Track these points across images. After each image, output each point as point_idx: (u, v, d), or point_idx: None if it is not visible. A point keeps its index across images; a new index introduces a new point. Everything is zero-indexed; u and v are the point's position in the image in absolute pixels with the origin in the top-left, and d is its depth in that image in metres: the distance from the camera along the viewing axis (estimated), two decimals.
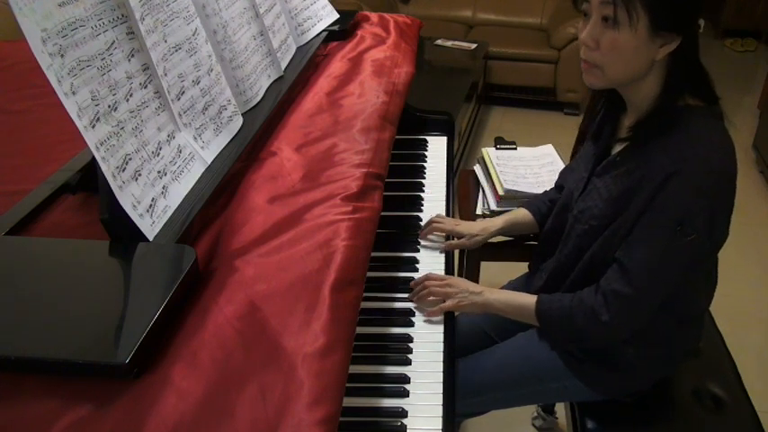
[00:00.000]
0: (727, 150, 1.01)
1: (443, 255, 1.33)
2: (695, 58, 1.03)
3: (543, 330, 1.21)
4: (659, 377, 1.25)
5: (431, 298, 1.18)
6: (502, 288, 1.52)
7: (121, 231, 0.78)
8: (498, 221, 1.43)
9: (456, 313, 1.26)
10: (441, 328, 1.15)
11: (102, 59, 0.78)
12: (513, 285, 1.50)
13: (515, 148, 1.92)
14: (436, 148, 1.68)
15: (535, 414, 1.90)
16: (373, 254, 1.00)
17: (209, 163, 0.96)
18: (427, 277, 1.22)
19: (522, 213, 1.43)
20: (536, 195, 1.47)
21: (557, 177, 1.45)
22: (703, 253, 1.06)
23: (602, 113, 1.20)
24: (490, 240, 1.44)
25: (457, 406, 1.28)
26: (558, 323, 1.15)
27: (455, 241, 1.38)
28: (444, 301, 1.18)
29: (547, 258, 1.29)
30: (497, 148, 1.92)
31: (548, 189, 1.47)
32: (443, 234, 1.38)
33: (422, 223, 1.40)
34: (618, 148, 1.13)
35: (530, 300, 1.18)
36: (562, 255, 1.21)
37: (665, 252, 1.02)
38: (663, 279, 1.05)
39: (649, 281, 1.05)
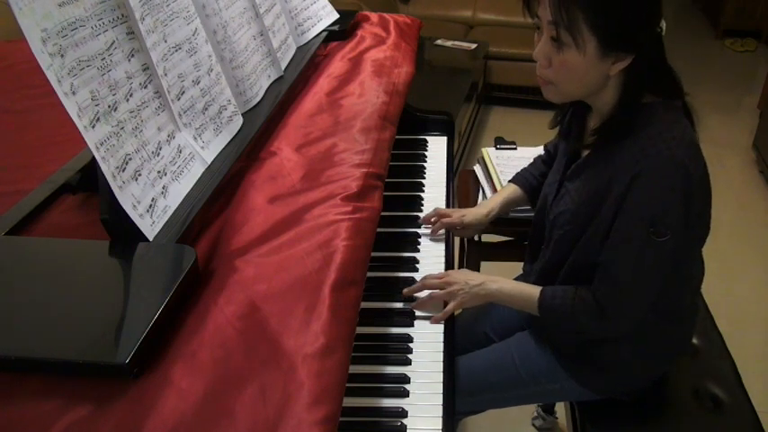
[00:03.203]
0: (690, 143, 0.99)
1: (443, 255, 1.33)
2: (655, 64, 1.02)
3: (542, 322, 1.21)
4: (655, 375, 1.25)
5: (433, 302, 1.18)
6: None
7: (121, 231, 0.78)
8: (497, 200, 1.44)
9: (456, 312, 1.26)
10: (441, 328, 1.15)
11: (102, 59, 0.78)
12: None
13: (515, 148, 1.92)
14: (436, 148, 1.68)
15: (535, 414, 1.90)
16: (373, 254, 1.00)
17: (209, 163, 0.96)
18: (424, 279, 1.21)
19: (511, 189, 1.44)
20: (523, 168, 1.47)
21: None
22: (683, 249, 1.05)
23: (570, 113, 1.20)
24: (490, 240, 1.44)
25: (456, 403, 1.27)
26: (559, 320, 1.15)
27: (462, 230, 1.39)
28: (446, 304, 1.18)
29: (533, 261, 1.30)
30: (497, 148, 1.92)
31: (538, 156, 1.46)
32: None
33: (410, 293, 1.34)
34: (586, 152, 1.14)
35: (533, 291, 1.17)
36: (545, 258, 1.21)
37: (643, 256, 1.02)
38: (648, 280, 1.06)
39: (635, 284, 1.06)
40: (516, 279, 1.48)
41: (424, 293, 1.19)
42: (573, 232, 1.11)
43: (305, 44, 1.49)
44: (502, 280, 1.22)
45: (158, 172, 0.84)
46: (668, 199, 0.98)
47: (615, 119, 1.04)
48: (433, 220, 1.37)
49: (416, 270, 1.28)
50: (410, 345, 1.10)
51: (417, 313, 1.17)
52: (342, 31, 1.60)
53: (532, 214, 1.64)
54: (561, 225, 1.14)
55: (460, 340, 1.42)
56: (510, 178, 1.50)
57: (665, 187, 0.97)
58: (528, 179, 1.43)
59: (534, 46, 1.04)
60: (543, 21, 0.99)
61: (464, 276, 1.20)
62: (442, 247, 1.35)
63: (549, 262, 1.19)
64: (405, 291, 1.19)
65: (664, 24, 1.00)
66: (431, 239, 1.37)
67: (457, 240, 1.58)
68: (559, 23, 0.96)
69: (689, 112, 1.05)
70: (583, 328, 1.14)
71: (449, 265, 1.31)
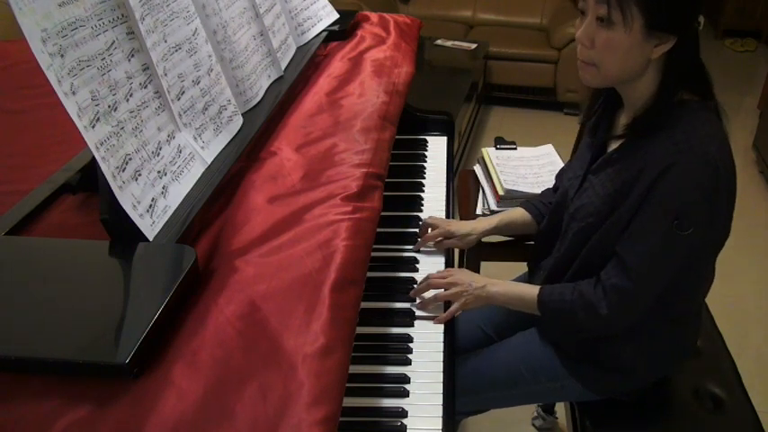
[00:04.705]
0: (722, 143, 1.00)
1: (443, 256, 1.33)
2: (693, 56, 1.03)
3: (543, 321, 1.21)
4: (657, 377, 1.25)
5: (435, 304, 1.18)
6: None
7: (121, 231, 0.78)
8: (493, 220, 1.42)
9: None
10: (441, 328, 1.15)
11: (102, 59, 0.78)
12: None
13: (515, 148, 1.92)
14: (436, 148, 1.68)
15: (535, 414, 1.90)
16: (373, 254, 1.00)
17: (210, 163, 0.96)
18: (429, 277, 1.21)
19: (518, 213, 1.43)
20: (534, 196, 1.47)
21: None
22: (702, 247, 1.05)
23: (600, 110, 1.20)
24: (490, 240, 1.43)
25: (457, 403, 1.28)
26: (558, 316, 1.16)
27: (448, 240, 1.37)
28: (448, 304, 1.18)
29: (544, 257, 1.29)
30: (497, 148, 1.92)
31: (548, 188, 1.47)
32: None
33: (422, 223, 1.40)
34: (613, 146, 1.14)
35: (532, 292, 1.18)
36: (560, 252, 1.21)
37: (662, 246, 1.02)
38: (661, 273, 1.06)
39: (648, 275, 1.05)
40: (520, 278, 1.49)
41: (429, 293, 1.20)
42: (593, 225, 1.11)
43: (305, 44, 1.49)
44: (503, 283, 1.23)
45: (158, 172, 0.84)
46: (696, 194, 0.98)
47: (650, 111, 1.04)
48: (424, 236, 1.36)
49: (416, 270, 1.28)
50: (410, 345, 1.10)
51: (417, 313, 1.17)
52: (342, 31, 1.60)
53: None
54: (582, 218, 1.13)
55: (460, 339, 1.42)
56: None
57: (694, 182, 0.98)
58: (536, 205, 1.41)
59: (576, 30, 1.05)
60: (589, 1, 1.00)
61: (468, 278, 1.21)
62: None
63: (564, 256, 1.19)
64: (411, 293, 1.20)
65: (702, 19, 1.01)
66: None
67: None
68: (610, 1, 0.97)
69: (719, 114, 1.06)
70: (581, 325, 1.13)
71: (449, 265, 1.31)
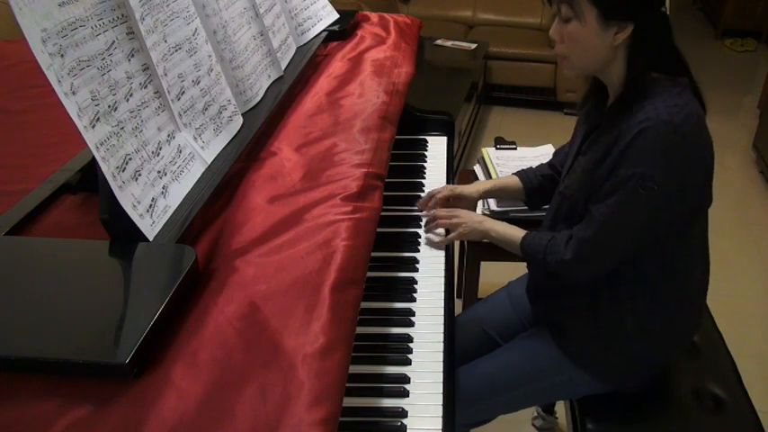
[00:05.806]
0: (690, 113, 1.04)
1: (443, 255, 1.33)
2: (660, 39, 1.08)
3: (527, 263, 1.31)
4: (659, 363, 1.26)
5: (438, 230, 1.33)
6: (502, 288, 1.53)
7: (121, 231, 0.78)
8: (488, 183, 1.52)
9: (456, 313, 1.26)
10: (441, 329, 1.14)
11: (102, 59, 0.78)
12: (513, 286, 1.50)
13: (515, 148, 1.92)
14: (436, 148, 1.68)
15: (535, 414, 1.90)
16: (373, 254, 1.00)
17: (209, 163, 0.96)
18: (433, 194, 1.37)
19: (512, 179, 1.50)
20: (530, 167, 1.50)
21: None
22: (668, 208, 1.08)
23: (591, 97, 1.26)
24: (490, 240, 1.44)
25: (464, 415, 1.30)
26: (534, 257, 1.24)
27: (452, 235, 1.38)
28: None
29: None
30: (497, 148, 1.92)
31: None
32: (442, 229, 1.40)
33: (422, 223, 1.40)
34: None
35: (519, 234, 1.27)
36: (556, 231, 1.24)
37: (625, 203, 1.07)
38: (623, 228, 1.11)
39: (609, 228, 1.11)
40: (520, 278, 1.49)
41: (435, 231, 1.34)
42: (580, 201, 1.16)
43: (305, 44, 1.49)
44: (500, 223, 1.34)
45: (158, 172, 0.84)
46: (660, 159, 1.03)
47: (624, 94, 1.10)
48: (430, 204, 1.41)
49: (416, 270, 1.28)
50: (410, 345, 1.10)
51: (417, 313, 1.17)
52: (342, 31, 1.60)
53: (531, 214, 1.66)
54: (571, 195, 1.19)
55: (465, 343, 1.42)
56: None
57: (659, 148, 1.03)
58: (529, 175, 1.47)
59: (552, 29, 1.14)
60: (554, 3, 1.10)
61: (469, 215, 1.34)
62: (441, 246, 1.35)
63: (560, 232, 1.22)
64: (417, 204, 1.41)
65: (667, 3, 1.06)
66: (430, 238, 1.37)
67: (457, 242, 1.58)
68: (560, 1, 1.07)
69: (697, 90, 1.11)
70: (550, 268, 1.19)
71: (449, 264, 1.31)
